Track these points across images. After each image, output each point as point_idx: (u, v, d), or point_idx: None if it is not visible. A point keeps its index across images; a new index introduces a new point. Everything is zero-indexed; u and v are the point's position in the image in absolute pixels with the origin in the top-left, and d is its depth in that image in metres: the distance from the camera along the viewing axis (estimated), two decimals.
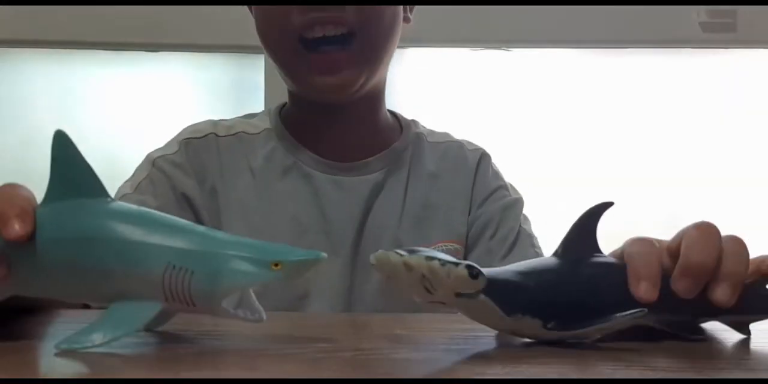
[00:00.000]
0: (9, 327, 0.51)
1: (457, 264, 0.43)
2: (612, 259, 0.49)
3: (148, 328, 0.50)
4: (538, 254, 0.82)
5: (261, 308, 0.47)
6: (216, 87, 1.72)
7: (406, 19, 0.83)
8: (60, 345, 0.43)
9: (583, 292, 0.47)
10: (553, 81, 1.75)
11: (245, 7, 0.86)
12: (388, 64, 0.82)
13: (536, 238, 0.85)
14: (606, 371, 0.41)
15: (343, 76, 0.76)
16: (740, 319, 0.51)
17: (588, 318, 0.46)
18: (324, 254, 0.46)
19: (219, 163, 0.82)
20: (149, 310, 0.45)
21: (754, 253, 0.50)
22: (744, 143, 1.75)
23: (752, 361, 0.47)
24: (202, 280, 0.44)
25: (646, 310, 0.46)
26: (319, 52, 0.75)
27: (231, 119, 0.88)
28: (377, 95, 0.84)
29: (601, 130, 1.76)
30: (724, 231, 0.49)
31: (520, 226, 0.84)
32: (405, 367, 0.41)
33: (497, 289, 0.45)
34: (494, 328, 0.47)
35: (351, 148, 0.83)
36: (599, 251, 0.49)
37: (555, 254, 0.49)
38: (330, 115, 0.82)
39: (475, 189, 0.85)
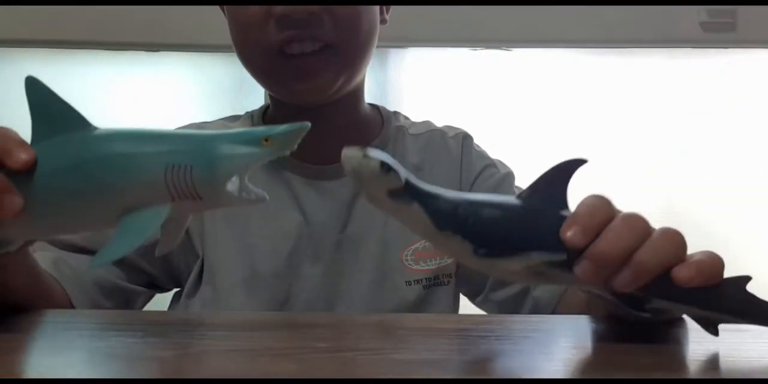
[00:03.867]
0: None
1: (373, 158, 0.43)
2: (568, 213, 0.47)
3: (167, 246, 0.51)
4: None
5: (260, 190, 0.49)
6: (216, 87, 1.72)
7: (383, 21, 0.82)
8: (92, 264, 0.44)
9: (520, 228, 0.46)
10: (553, 81, 1.76)
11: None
12: (366, 67, 0.81)
13: None
14: (605, 371, 0.41)
15: (320, 82, 0.76)
16: (704, 314, 0.48)
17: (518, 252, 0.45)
18: (308, 123, 0.48)
19: None
20: (160, 212, 0.47)
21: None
22: (744, 143, 1.75)
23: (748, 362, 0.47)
24: (202, 170, 0.46)
25: (564, 256, 0.45)
26: (296, 56, 0.74)
27: (214, 122, 0.87)
28: (356, 93, 0.83)
29: (601, 129, 1.76)
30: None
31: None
32: (405, 367, 0.41)
33: (432, 201, 0.45)
34: (428, 241, 0.47)
35: (331, 149, 0.82)
36: (565, 206, 0.48)
37: (518, 196, 0.48)
38: (309, 115, 0.81)
39: (462, 175, 0.84)
